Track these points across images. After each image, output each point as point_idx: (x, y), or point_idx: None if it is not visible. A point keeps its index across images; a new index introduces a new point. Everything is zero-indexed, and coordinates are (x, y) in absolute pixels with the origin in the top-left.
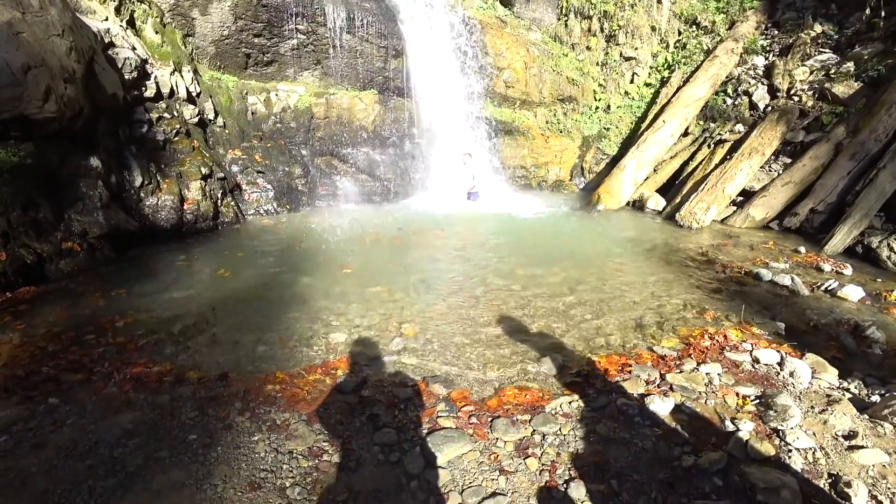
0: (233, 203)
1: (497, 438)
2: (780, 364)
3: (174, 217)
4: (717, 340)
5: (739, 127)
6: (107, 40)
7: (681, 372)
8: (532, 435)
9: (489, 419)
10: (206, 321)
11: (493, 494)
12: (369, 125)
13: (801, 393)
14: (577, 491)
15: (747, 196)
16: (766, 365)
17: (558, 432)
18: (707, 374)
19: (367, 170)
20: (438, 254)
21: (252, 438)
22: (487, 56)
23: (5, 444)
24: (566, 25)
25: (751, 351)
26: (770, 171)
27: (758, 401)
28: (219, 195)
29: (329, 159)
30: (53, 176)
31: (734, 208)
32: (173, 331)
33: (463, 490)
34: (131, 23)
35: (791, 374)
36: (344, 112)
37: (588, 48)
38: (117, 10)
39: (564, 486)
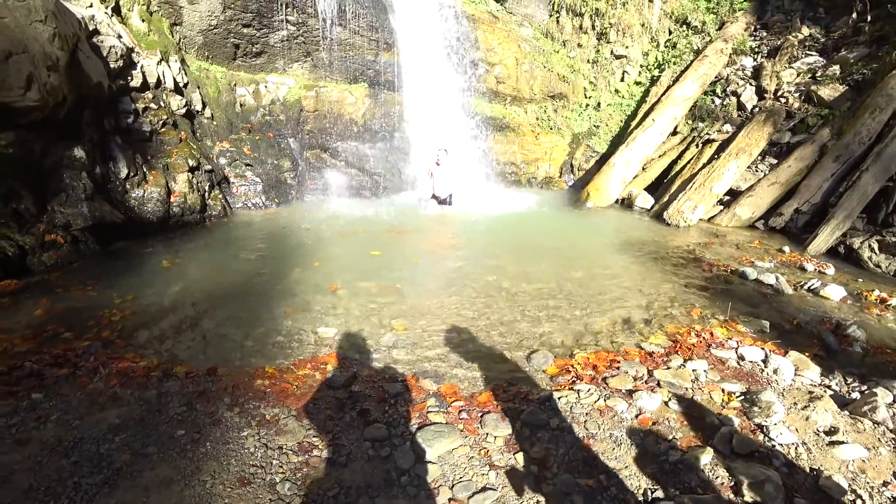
0: (221, 196)
1: (487, 433)
2: (765, 361)
3: (161, 210)
4: (704, 338)
5: (727, 127)
6: (91, 27)
7: (668, 368)
8: (522, 430)
9: (479, 414)
10: (193, 315)
11: (484, 489)
12: (359, 119)
13: (784, 389)
14: (567, 486)
15: (734, 195)
16: (750, 362)
17: (548, 427)
18: (694, 370)
19: (357, 164)
20: (428, 249)
21: (241, 434)
22: (479, 51)
23: None
24: (558, 22)
25: (736, 348)
26: (756, 171)
27: (742, 397)
28: (206, 188)
29: (318, 153)
30: (36, 166)
31: (721, 207)
32: (160, 325)
33: (453, 485)
34: (117, 10)
35: (775, 371)
36: (334, 105)
37: (579, 45)
38: None
39: (554, 480)
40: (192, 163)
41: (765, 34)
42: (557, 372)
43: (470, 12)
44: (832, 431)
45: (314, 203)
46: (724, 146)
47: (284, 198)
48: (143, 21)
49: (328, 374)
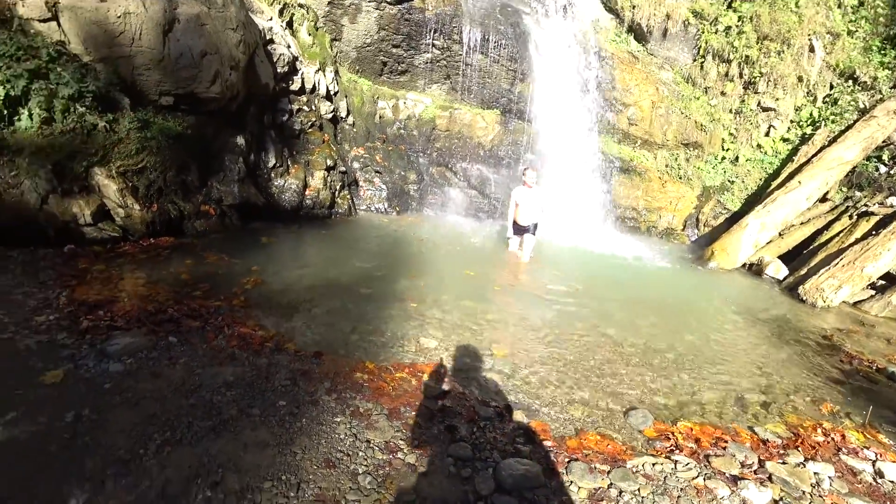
0: (349, 196)
1: (572, 482)
2: None
3: (296, 200)
4: (833, 438)
5: (892, 200)
6: (267, 37)
7: (784, 463)
8: (608, 488)
9: (566, 460)
10: (309, 299)
11: None
12: (487, 143)
13: None
14: None
15: (891, 281)
16: (891, 482)
17: (636, 492)
18: (816, 473)
19: (478, 186)
20: (536, 282)
21: (335, 419)
22: (614, 91)
23: (130, 365)
24: (702, 67)
25: (874, 461)
26: None
27: None
28: (338, 187)
29: (443, 170)
30: (206, 148)
31: (872, 292)
32: (280, 302)
33: None
34: (290, 24)
35: None
36: (465, 127)
37: (723, 93)
38: (280, 12)
39: None
40: (329, 163)
41: None
42: (655, 436)
43: (610, 51)
44: None
45: (432, 216)
46: (885, 222)
47: (405, 207)
48: (309, 35)
49: (424, 382)
